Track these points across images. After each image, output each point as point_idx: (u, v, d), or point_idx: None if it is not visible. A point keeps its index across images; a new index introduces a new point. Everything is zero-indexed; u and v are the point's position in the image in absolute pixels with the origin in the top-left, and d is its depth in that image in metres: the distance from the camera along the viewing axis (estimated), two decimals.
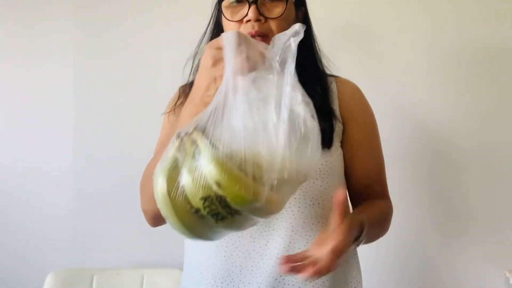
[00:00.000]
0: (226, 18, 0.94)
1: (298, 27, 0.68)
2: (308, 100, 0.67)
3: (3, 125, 1.82)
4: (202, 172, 0.60)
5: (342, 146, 0.97)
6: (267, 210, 0.62)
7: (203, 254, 0.94)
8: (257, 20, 0.91)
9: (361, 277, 1.00)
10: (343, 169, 0.98)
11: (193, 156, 0.61)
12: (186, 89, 1.03)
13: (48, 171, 1.79)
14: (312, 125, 0.64)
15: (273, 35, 0.92)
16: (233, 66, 0.66)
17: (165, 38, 1.74)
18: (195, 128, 0.64)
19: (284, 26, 0.93)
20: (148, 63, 1.75)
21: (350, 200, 0.99)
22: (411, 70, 1.67)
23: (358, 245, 0.82)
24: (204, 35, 1.04)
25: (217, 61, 0.73)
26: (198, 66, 1.04)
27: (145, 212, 0.93)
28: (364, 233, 0.81)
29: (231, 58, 0.67)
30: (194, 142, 0.62)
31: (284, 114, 0.62)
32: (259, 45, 0.72)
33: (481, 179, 1.65)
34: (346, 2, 1.70)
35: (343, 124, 0.97)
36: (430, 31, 1.66)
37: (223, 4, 0.95)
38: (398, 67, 1.68)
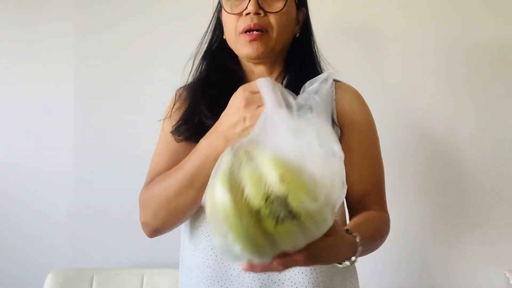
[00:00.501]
0: (226, 11, 0.94)
1: (327, 74, 0.70)
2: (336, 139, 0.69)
3: (4, 126, 1.82)
4: (263, 171, 0.61)
5: None
6: (321, 217, 0.62)
7: (199, 257, 0.93)
8: (257, 13, 0.91)
9: (357, 280, 1.00)
10: None
11: (250, 162, 0.63)
12: (182, 93, 1.02)
13: (48, 171, 1.79)
14: (342, 159, 0.66)
15: (272, 30, 0.92)
16: (272, 100, 0.69)
17: (165, 40, 1.74)
18: (250, 140, 0.66)
19: (284, 21, 0.93)
20: (148, 65, 1.76)
21: (348, 208, 0.98)
22: (417, 73, 1.66)
23: (353, 262, 0.80)
24: (206, 35, 1.04)
25: (249, 103, 0.76)
26: (198, 67, 1.03)
27: (145, 224, 0.94)
28: (358, 252, 0.80)
29: (270, 95, 0.70)
30: (248, 152, 0.64)
31: (323, 145, 0.65)
32: (287, 92, 0.74)
33: (481, 179, 1.65)
34: (351, 2, 1.69)
35: (340, 129, 0.96)
36: (438, 32, 1.65)
37: (225, 0, 0.95)
38: (404, 69, 1.67)
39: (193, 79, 1.04)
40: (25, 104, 1.81)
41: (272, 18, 0.92)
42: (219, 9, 1.00)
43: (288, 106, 0.69)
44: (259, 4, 0.91)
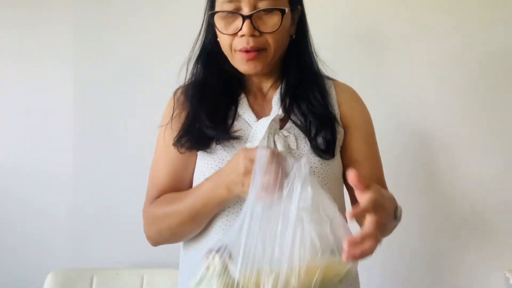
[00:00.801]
0: (219, 31, 0.90)
1: (303, 163, 0.70)
2: (317, 217, 0.68)
3: (4, 126, 1.82)
4: None
5: (341, 151, 0.97)
6: None
7: (199, 257, 0.92)
8: (252, 35, 0.87)
9: (358, 280, 1.00)
10: (341, 175, 0.97)
11: (210, 279, 0.68)
12: (180, 97, 0.99)
13: (48, 171, 1.79)
14: (318, 241, 0.67)
15: (270, 48, 0.89)
16: (258, 186, 0.70)
17: (165, 40, 1.74)
18: (217, 250, 0.69)
19: (280, 38, 0.91)
20: (148, 65, 1.75)
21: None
22: (418, 75, 1.66)
23: (401, 211, 0.83)
24: (198, 37, 1.00)
25: (248, 172, 0.75)
26: (192, 71, 1.00)
27: (149, 238, 0.97)
28: (398, 207, 0.83)
29: (256, 181, 0.71)
30: (213, 264, 0.69)
31: (290, 233, 0.67)
32: (290, 160, 0.73)
33: (481, 180, 1.65)
34: (354, 4, 1.69)
35: (344, 129, 0.97)
36: (440, 34, 1.65)
37: (217, 15, 0.90)
38: (404, 70, 1.67)
39: (190, 81, 1.01)
40: (25, 104, 1.81)
41: (268, 37, 0.88)
42: (210, 7, 0.95)
43: (276, 187, 0.70)
44: (253, 25, 0.87)
